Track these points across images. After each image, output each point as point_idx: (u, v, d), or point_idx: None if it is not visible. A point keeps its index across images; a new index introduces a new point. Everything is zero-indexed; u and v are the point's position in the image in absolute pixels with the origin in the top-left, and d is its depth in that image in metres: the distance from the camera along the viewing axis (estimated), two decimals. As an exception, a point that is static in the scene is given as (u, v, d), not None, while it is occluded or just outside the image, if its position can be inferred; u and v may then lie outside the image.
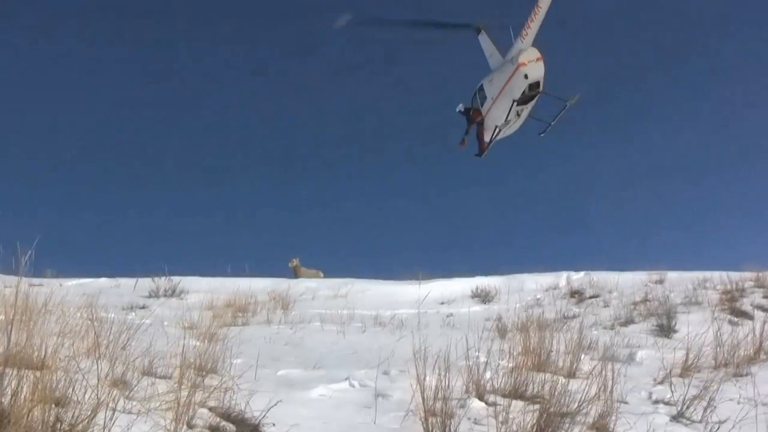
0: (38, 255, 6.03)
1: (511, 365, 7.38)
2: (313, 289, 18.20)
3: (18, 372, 4.62)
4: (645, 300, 15.35)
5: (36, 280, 10.58)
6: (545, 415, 5.57)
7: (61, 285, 12.24)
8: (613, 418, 6.02)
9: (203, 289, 16.56)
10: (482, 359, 7.20)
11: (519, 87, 19.00)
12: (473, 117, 21.09)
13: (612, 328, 12.35)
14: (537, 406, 5.90)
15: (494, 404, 6.43)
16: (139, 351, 6.52)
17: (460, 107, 21.38)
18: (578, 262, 29.48)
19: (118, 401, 4.97)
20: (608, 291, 17.33)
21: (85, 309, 8.55)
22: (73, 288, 14.54)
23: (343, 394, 7.01)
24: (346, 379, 7.43)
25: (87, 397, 4.76)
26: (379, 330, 12.06)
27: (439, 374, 5.91)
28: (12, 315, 5.25)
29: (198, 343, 7.99)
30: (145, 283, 16.98)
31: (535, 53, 18.79)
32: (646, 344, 10.07)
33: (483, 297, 17.84)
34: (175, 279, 17.11)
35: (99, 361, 5.52)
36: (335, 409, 6.45)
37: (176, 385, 5.27)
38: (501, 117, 20.03)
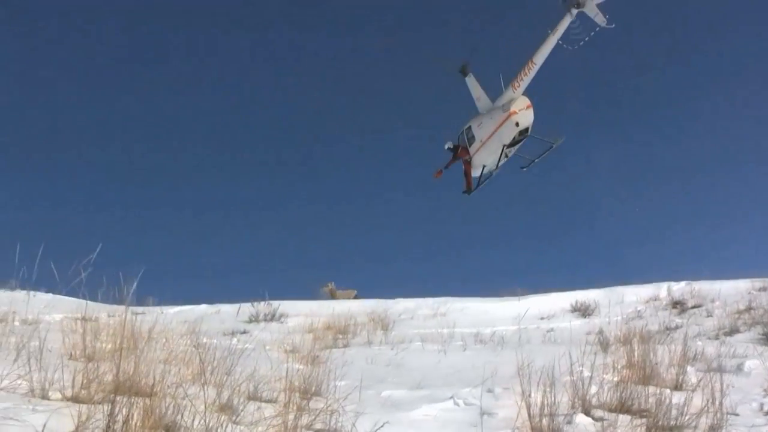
0: (139, 283, 6.27)
1: (615, 379, 7.24)
2: (411, 309, 18.23)
3: (128, 399, 4.75)
4: (749, 308, 15.02)
5: (138, 308, 10.86)
6: (653, 429, 5.52)
7: (162, 312, 12.58)
8: (724, 431, 5.83)
9: (302, 313, 16.75)
10: (586, 374, 7.10)
11: (509, 134, 20.32)
12: (460, 154, 22.10)
13: (717, 338, 12.11)
14: (644, 420, 5.83)
15: (601, 419, 6.30)
16: (243, 376, 6.56)
17: (449, 144, 22.36)
18: (676, 271, 28.72)
19: (226, 426, 5.03)
20: (710, 300, 16.99)
21: (188, 335, 8.75)
22: (175, 315, 14.91)
23: (448, 414, 6.92)
24: (450, 398, 7.35)
25: (196, 423, 4.86)
26: (480, 348, 11.94)
27: (544, 390, 5.87)
28: (120, 344, 5.38)
29: (301, 366, 8.05)
30: (246, 309, 17.31)
31: (525, 102, 20.23)
32: (753, 354, 9.73)
33: (583, 311, 17.64)
34: (275, 303, 17.37)
35: (205, 387, 5.54)
36: (441, 429, 6.40)
37: (282, 408, 5.35)
38: (490, 159, 21.26)
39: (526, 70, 19.78)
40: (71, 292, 6.70)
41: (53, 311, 8.40)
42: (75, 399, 5.48)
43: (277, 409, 5.81)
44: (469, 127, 21.63)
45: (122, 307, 6.67)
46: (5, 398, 5.39)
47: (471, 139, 21.51)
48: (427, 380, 8.53)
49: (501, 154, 20.79)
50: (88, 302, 7.37)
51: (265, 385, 6.66)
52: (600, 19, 18.96)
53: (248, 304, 17.47)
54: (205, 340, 8.29)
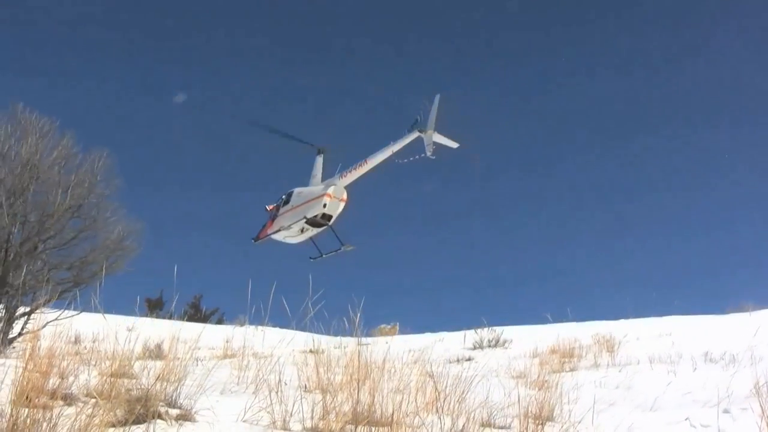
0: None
1: None
2: (636, 331, 17.81)
3: (368, 429, 5.01)
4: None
5: (366, 339, 11.48)
6: None
7: (387, 343, 13.11)
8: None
9: (525, 338, 16.88)
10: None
11: (314, 211, 22.03)
12: (271, 208, 23.94)
13: None
14: None
15: None
16: (476, 403, 6.59)
17: (268, 207, 24.22)
18: None
19: None
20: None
21: (415, 364, 9.15)
22: (399, 344, 15.57)
23: None
24: (685, 419, 7.17)
25: None
26: (710, 367, 11.52)
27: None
28: (357, 375, 5.71)
29: (530, 392, 8.20)
30: (469, 336, 17.67)
31: (342, 193, 22.10)
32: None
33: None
34: (498, 329, 17.63)
35: (441, 416, 5.65)
36: None
37: None
38: (287, 223, 22.83)
39: (358, 167, 21.73)
40: (300, 326, 7.12)
41: (283, 345, 9.04)
42: (315, 430, 5.71)
43: None
44: (291, 193, 23.46)
45: (348, 339, 7.12)
46: (249, 430, 5.74)
47: (286, 202, 23.32)
48: (660, 402, 8.39)
49: (298, 225, 22.48)
50: (316, 335, 7.81)
51: (498, 412, 6.69)
52: (429, 150, 21.03)
53: (471, 331, 17.87)
54: (432, 369, 8.58)
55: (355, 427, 5.07)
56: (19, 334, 13.27)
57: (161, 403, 5.90)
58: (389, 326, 28.27)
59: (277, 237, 23.62)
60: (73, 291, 14.63)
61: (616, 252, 61.57)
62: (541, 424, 6.38)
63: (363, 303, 6.82)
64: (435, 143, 21.28)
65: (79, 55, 69.29)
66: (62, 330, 8.21)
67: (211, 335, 12.15)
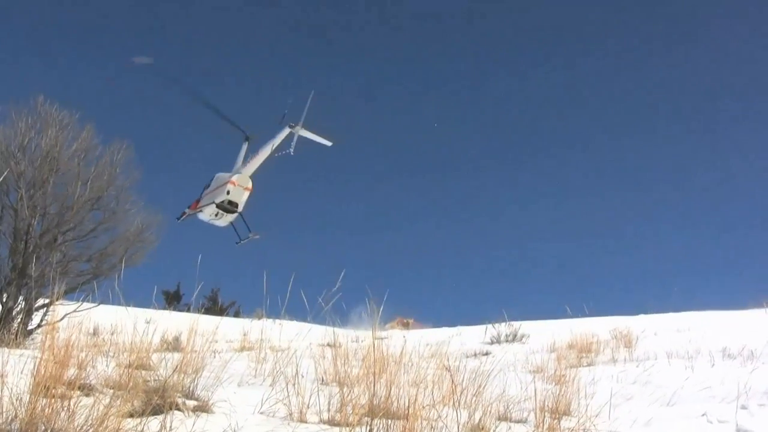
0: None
1: None
2: (655, 326, 17.73)
3: (385, 422, 5.00)
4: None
5: (382, 333, 11.48)
6: None
7: (404, 337, 13.10)
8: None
9: (543, 332, 16.85)
10: None
11: (219, 198, 22.87)
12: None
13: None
14: None
15: None
16: (493, 396, 6.58)
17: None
18: None
19: None
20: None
21: (432, 358, 9.14)
22: (415, 338, 15.59)
23: (701, 431, 6.83)
24: (703, 415, 7.12)
25: None
26: (729, 362, 11.45)
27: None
28: (373, 368, 5.69)
29: (547, 386, 8.19)
30: (486, 330, 17.65)
31: (246, 182, 22.95)
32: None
33: None
34: (515, 324, 17.61)
35: (458, 409, 5.63)
36: None
37: (534, 429, 5.40)
38: (203, 205, 23.59)
39: (252, 158, 22.95)
40: (317, 320, 7.10)
41: (300, 338, 9.06)
42: (331, 422, 5.73)
43: (528, 429, 5.86)
44: (215, 177, 24.08)
45: (365, 332, 7.11)
46: (266, 422, 5.75)
47: (208, 185, 24.19)
48: (677, 397, 8.36)
49: (210, 208, 23.23)
50: (334, 328, 7.84)
51: (515, 406, 6.67)
52: (293, 148, 22.20)
53: (489, 326, 17.85)
54: (448, 363, 8.58)
55: (372, 420, 5.06)
56: (38, 326, 13.38)
57: (178, 395, 5.93)
58: (406, 320, 28.30)
59: (202, 217, 24.22)
60: (92, 283, 14.72)
61: (637, 246, 61.22)
62: (558, 418, 6.37)
63: (386, 296, 6.88)
64: (307, 139, 22.59)
65: (100, 44, 69.61)
66: (80, 321, 8.28)
67: (228, 328, 12.22)
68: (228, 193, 22.83)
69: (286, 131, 22.59)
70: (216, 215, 23.58)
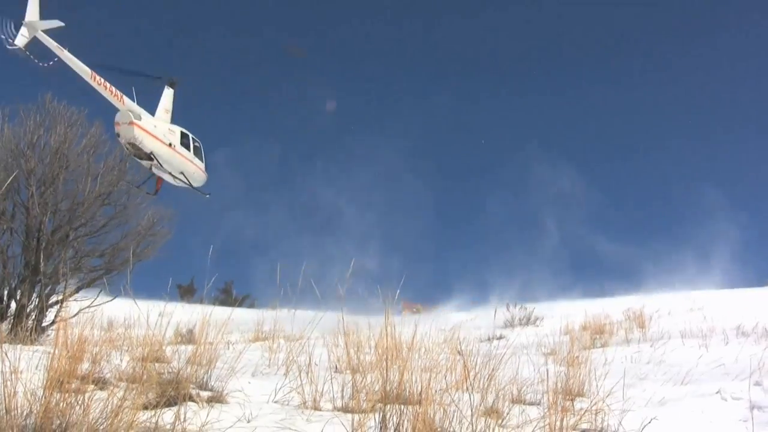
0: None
1: None
2: (668, 305, 17.71)
3: (398, 407, 5.00)
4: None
5: (395, 319, 11.41)
6: None
7: (415, 324, 13.01)
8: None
9: (556, 315, 16.84)
10: None
11: (120, 142, 17.95)
12: None
13: None
14: None
15: None
16: (506, 380, 6.59)
17: None
18: None
19: (493, 430, 5.10)
20: None
21: (446, 343, 9.14)
22: (429, 323, 15.55)
23: (715, 408, 6.68)
24: (716, 392, 7.14)
25: (464, 428, 4.97)
26: (743, 340, 11.43)
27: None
28: (386, 355, 5.68)
29: (561, 368, 8.17)
30: (500, 314, 17.63)
31: (126, 117, 18.00)
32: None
33: None
34: (529, 307, 17.61)
35: (471, 393, 5.59)
36: (709, 424, 6.24)
37: (547, 410, 5.34)
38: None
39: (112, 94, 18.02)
40: (332, 308, 7.17)
41: (313, 327, 9.06)
42: (345, 409, 5.78)
43: (541, 410, 5.84)
44: None
45: (379, 319, 7.10)
46: (280, 410, 5.78)
47: None
48: (691, 375, 8.35)
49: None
50: (347, 316, 7.88)
51: (528, 388, 6.71)
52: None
53: (503, 309, 17.86)
54: (464, 347, 8.55)
55: (385, 406, 5.07)
56: (52, 322, 13.46)
57: (192, 386, 5.97)
58: (416, 305, 28.28)
59: (168, 179, 20.91)
60: (105, 278, 14.78)
61: (655, 226, 61.03)
62: (571, 399, 6.38)
63: (402, 281, 6.97)
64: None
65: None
66: (94, 316, 8.30)
67: (242, 319, 12.25)
68: (118, 135, 18.15)
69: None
70: (150, 168, 19.49)
